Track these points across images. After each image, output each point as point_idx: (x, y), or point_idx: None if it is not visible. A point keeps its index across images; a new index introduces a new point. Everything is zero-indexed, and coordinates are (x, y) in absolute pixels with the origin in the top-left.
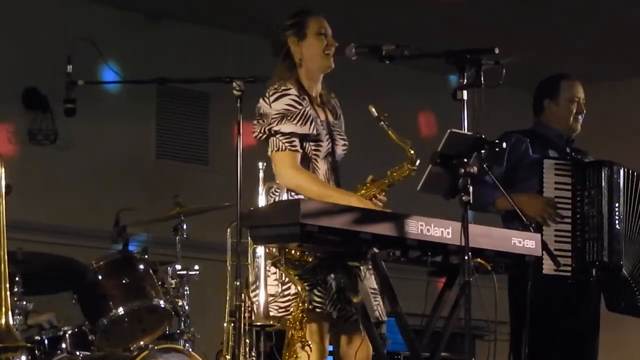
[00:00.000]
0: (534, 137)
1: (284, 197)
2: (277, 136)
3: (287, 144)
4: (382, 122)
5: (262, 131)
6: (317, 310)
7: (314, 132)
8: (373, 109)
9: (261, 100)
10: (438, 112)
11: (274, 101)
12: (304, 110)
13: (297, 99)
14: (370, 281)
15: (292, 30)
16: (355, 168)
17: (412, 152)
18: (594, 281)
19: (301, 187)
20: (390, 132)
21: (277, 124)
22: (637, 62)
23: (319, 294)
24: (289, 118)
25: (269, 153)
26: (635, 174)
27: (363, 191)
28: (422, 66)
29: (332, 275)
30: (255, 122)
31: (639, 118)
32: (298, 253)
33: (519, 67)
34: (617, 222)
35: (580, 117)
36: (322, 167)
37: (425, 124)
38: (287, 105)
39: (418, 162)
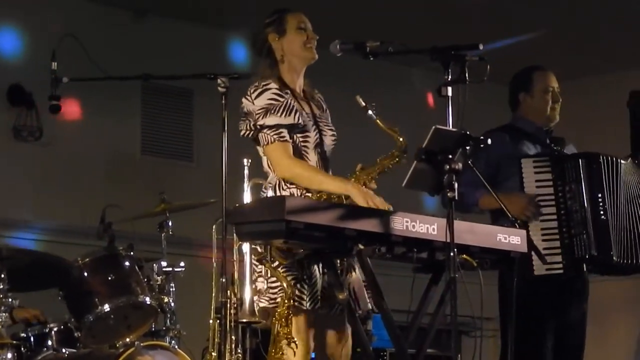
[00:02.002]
0: (513, 132)
1: (271, 194)
2: (265, 130)
3: (275, 136)
4: (370, 111)
5: (248, 128)
6: (296, 304)
7: (300, 121)
8: (360, 99)
9: (244, 100)
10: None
11: (256, 98)
12: (287, 102)
13: (278, 92)
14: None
15: (271, 27)
16: (345, 161)
17: (401, 139)
18: (585, 276)
19: (298, 176)
20: (378, 120)
21: (261, 119)
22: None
23: (301, 289)
24: (272, 111)
25: (261, 149)
26: (614, 159)
27: (352, 179)
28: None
29: (320, 270)
30: (240, 121)
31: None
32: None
33: (503, 63)
34: (602, 212)
35: (557, 106)
36: (313, 157)
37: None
38: (269, 99)
39: (406, 149)
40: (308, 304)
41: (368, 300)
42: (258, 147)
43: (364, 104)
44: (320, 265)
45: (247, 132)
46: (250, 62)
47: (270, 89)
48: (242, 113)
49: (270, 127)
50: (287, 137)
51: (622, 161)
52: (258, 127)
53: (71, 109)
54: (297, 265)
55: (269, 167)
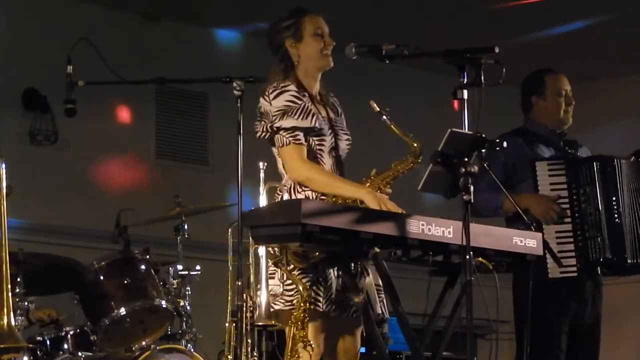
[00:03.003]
0: (527, 136)
1: (286, 197)
2: (281, 132)
3: (291, 139)
4: (385, 117)
5: (265, 129)
6: (311, 307)
7: (316, 125)
8: (374, 104)
9: (261, 99)
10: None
11: (274, 98)
12: (304, 105)
13: (296, 94)
14: (376, 277)
15: (288, 32)
16: (360, 166)
17: (416, 144)
18: (599, 279)
19: (312, 179)
20: (392, 126)
21: (278, 121)
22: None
23: (317, 291)
24: (289, 114)
25: (276, 151)
26: (627, 162)
27: (367, 184)
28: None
29: (335, 273)
30: (256, 121)
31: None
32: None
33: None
34: (616, 215)
35: (569, 108)
36: (328, 161)
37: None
38: (287, 101)
39: (422, 154)
40: (324, 306)
41: (378, 304)
42: (273, 148)
43: (378, 109)
44: (335, 268)
45: (263, 133)
46: (265, 65)
47: (289, 90)
48: (259, 113)
49: (286, 129)
50: (303, 140)
51: (623, 160)
52: (274, 128)
53: (86, 112)
54: (312, 268)
55: (284, 169)
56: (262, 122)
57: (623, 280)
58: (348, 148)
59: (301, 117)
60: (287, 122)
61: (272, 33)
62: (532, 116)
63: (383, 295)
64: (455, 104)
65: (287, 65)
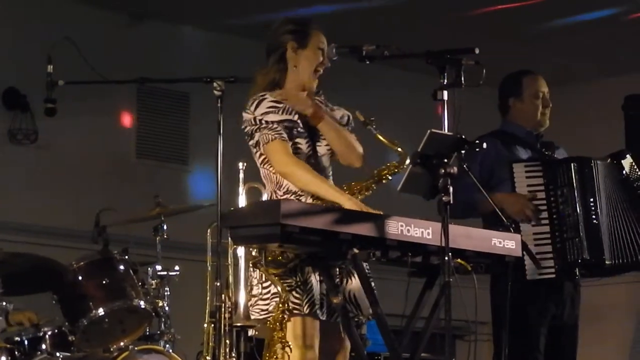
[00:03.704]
0: (504, 137)
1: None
2: (263, 129)
3: (276, 135)
4: (370, 127)
5: (251, 133)
6: (295, 312)
7: (298, 121)
8: (360, 114)
9: (244, 114)
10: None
11: (255, 108)
12: (285, 107)
13: (275, 100)
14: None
15: (293, 36)
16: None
17: (401, 150)
18: (577, 280)
19: (294, 174)
20: (378, 134)
21: (263, 117)
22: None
23: (297, 295)
24: (272, 112)
25: (261, 150)
26: (604, 163)
27: (346, 189)
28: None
29: (317, 277)
30: (246, 137)
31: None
32: (278, 252)
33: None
34: (594, 217)
35: (547, 110)
36: None
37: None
38: (269, 107)
39: (407, 160)
40: (306, 309)
41: (369, 306)
42: (256, 154)
43: (363, 119)
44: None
45: (250, 138)
46: (247, 65)
47: (266, 98)
48: (243, 128)
49: (268, 122)
50: (287, 138)
51: (599, 161)
52: (258, 122)
53: (67, 112)
54: (291, 273)
55: (266, 179)
56: (247, 129)
57: (604, 282)
58: (329, 152)
59: (283, 113)
60: (271, 117)
61: (277, 32)
62: (510, 118)
63: None
64: (440, 108)
65: (281, 67)
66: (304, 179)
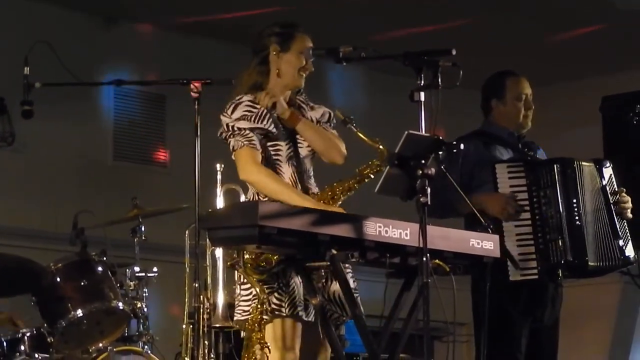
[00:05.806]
0: (485, 138)
1: (243, 199)
2: (235, 135)
3: (246, 142)
4: (350, 125)
5: (225, 139)
6: (276, 313)
7: (271, 128)
8: (339, 113)
9: (221, 117)
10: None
11: (232, 113)
12: (260, 111)
13: (251, 103)
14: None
15: (277, 39)
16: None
17: (382, 147)
18: (559, 282)
19: (259, 182)
20: (359, 133)
21: (234, 122)
22: None
23: (278, 296)
24: (246, 119)
25: (232, 156)
26: (586, 164)
27: (328, 190)
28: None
29: (298, 280)
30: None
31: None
32: (263, 259)
33: (476, 68)
34: (577, 218)
35: (529, 112)
36: (287, 170)
37: None
38: (244, 111)
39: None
40: (287, 310)
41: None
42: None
43: (342, 117)
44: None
45: (225, 141)
46: (224, 68)
47: (243, 101)
48: (220, 133)
49: (240, 129)
50: (257, 145)
51: (585, 163)
52: (230, 128)
53: (43, 114)
54: (272, 276)
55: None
56: (222, 135)
57: (584, 282)
58: (311, 153)
59: (255, 121)
60: (242, 124)
61: (261, 35)
62: (492, 119)
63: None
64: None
65: (263, 70)
66: (270, 188)
